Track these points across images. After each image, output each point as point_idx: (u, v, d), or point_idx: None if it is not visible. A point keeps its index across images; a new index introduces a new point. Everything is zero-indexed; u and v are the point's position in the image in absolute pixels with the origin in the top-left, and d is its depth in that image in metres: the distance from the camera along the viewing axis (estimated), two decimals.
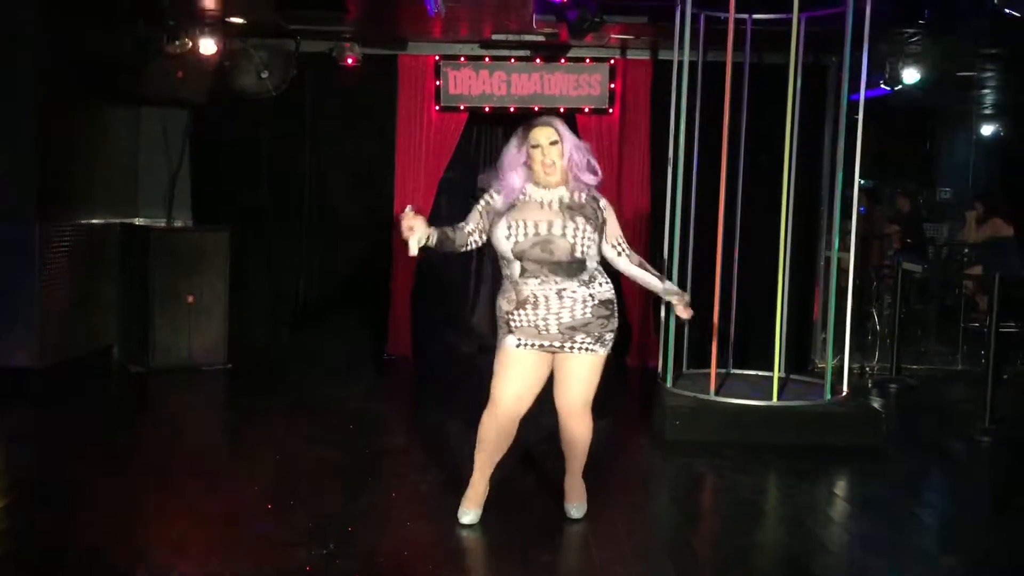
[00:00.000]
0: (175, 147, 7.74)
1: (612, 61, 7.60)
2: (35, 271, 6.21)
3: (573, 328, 3.58)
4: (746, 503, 4.38)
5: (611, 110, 7.63)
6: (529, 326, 3.58)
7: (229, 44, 7.11)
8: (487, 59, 7.60)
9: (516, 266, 3.58)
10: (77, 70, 6.58)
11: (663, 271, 5.64)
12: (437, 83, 7.59)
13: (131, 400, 6.44)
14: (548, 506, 4.08)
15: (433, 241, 3.54)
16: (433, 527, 3.85)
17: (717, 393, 5.57)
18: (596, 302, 3.62)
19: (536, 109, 7.61)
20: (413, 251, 3.45)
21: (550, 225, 3.54)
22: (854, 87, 5.65)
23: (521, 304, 3.58)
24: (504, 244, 3.56)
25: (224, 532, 3.75)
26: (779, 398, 5.49)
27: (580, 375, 3.67)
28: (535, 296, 3.56)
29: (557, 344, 3.61)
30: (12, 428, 5.46)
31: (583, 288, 3.59)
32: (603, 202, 3.72)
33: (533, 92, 7.59)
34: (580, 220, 3.57)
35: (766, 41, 6.39)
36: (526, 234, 3.53)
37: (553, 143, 3.59)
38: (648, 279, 3.78)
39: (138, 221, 7.60)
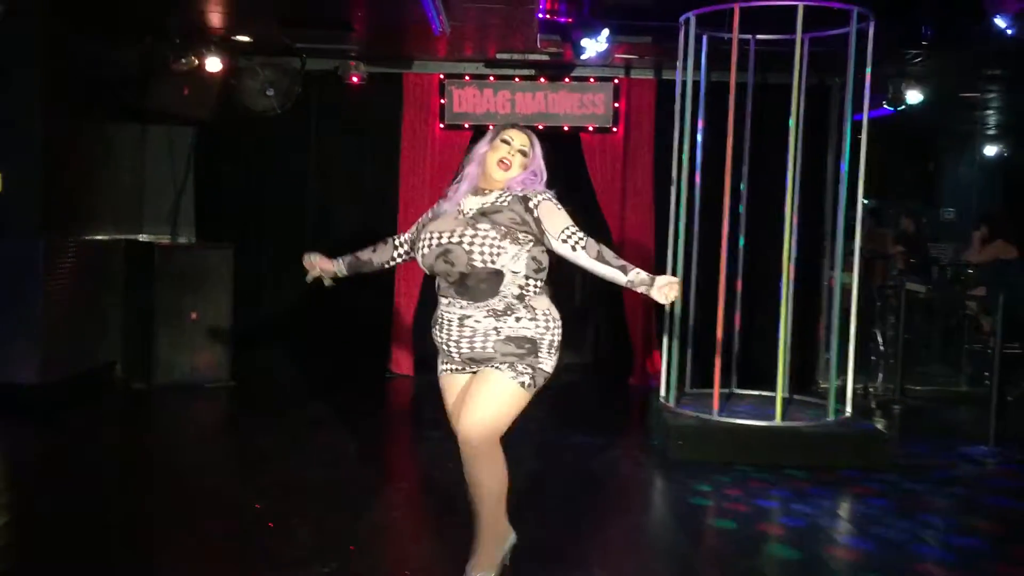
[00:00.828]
0: (180, 164, 7.77)
1: (616, 80, 7.63)
2: (39, 287, 6.21)
3: (474, 360, 3.17)
4: (750, 524, 4.36)
5: (615, 129, 7.65)
6: (443, 347, 3.25)
7: (235, 62, 7.17)
8: (491, 78, 7.63)
9: (437, 281, 3.24)
10: (83, 86, 6.62)
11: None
12: (442, 101, 7.62)
13: (132, 417, 6.43)
14: (555, 522, 4.06)
15: (343, 271, 3.55)
16: (434, 547, 3.83)
17: (720, 413, 5.56)
18: (503, 337, 3.11)
19: (540, 128, 7.64)
20: (327, 282, 3.58)
21: (452, 234, 3.14)
22: (857, 107, 5.66)
23: (436, 323, 3.25)
24: (418, 258, 3.26)
25: (226, 549, 3.73)
26: (782, 419, 5.46)
27: (483, 392, 3.11)
28: (442, 317, 3.21)
29: (472, 368, 3.23)
30: (13, 444, 5.45)
31: (490, 319, 3.11)
32: (535, 199, 3.18)
33: (537, 111, 7.62)
34: (484, 226, 3.11)
35: (769, 61, 6.42)
36: (430, 245, 3.18)
37: (523, 152, 3.28)
38: (607, 272, 3.13)
39: (143, 237, 7.62)
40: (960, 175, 11.69)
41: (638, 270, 3.12)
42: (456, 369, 3.28)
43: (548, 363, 3.18)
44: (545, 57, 7.26)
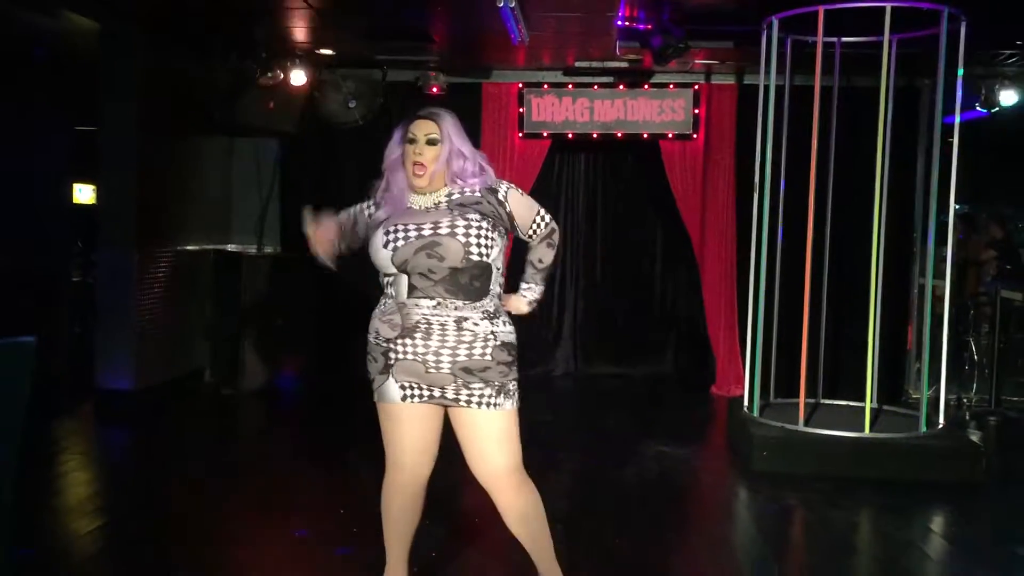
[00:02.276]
0: (266, 175, 7.97)
1: (696, 86, 7.55)
2: (132, 296, 6.45)
3: (468, 371, 2.82)
4: (837, 539, 4.25)
5: (695, 135, 7.57)
6: (415, 360, 2.83)
7: (318, 75, 7.32)
8: (570, 86, 7.63)
9: (403, 282, 2.83)
10: (175, 103, 6.85)
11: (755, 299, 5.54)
12: (520, 110, 7.65)
13: (221, 421, 6.61)
14: (637, 532, 4.02)
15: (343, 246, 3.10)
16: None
17: (806, 424, 5.44)
18: (499, 343, 2.86)
19: (619, 135, 7.63)
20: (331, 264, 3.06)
21: (436, 225, 2.81)
22: (948, 110, 5.49)
23: (409, 331, 2.83)
24: (382, 255, 2.85)
25: (310, 555, 3.80)
26: (871, 430, 5.32)
27: (491, 435, 2.87)
28: (427, 322, 2.81)
29: (450, 395, 2.85)
30: (109, 449, 5.66)
31: (486, 322, 2.84)
32: (503, 190, 2.92)
33: (616, 118, 7.60)
34: (474, 216, 2.83)
35: (855, 64, 6.27)
36: (407, 238, 2.80)
37: (431, 141, 2.88)
38: (525, 271, 3.07)
39: (231, 247, 7.83)
40: None
41: (531, 285, 3.07)
42: (431, 396, 2.87)
43: (517, 366, 2.97)
44: (624, 64, 7.23)
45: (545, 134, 7.68)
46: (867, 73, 6.03)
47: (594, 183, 8.41)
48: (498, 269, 2.90)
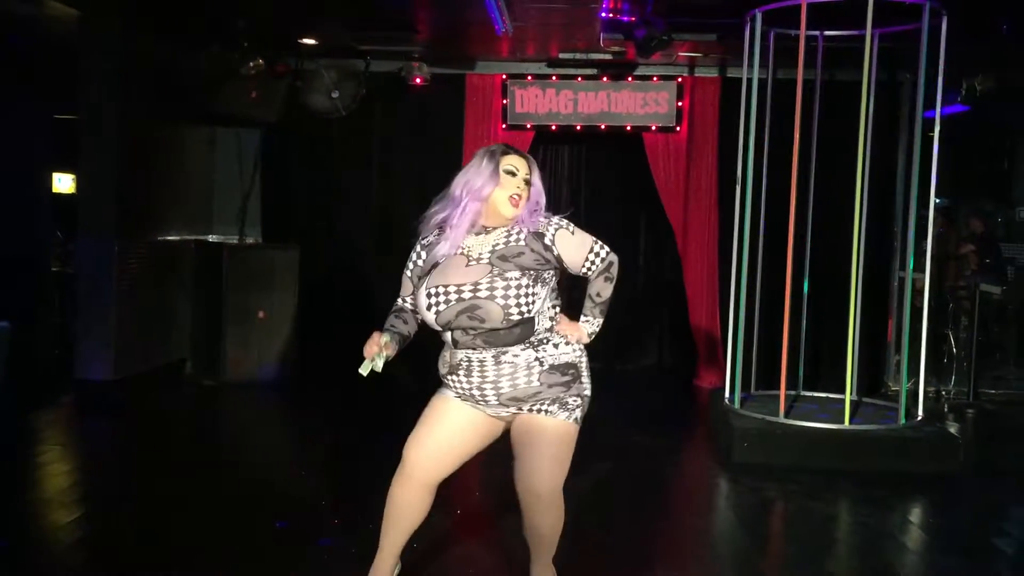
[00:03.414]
0: (248, 166, 7.92)
1: (680, 79, 7.56)
2: (112, 286, 6.40)
3: (517, 399, 2.86)
4: (817, 530, 4.28)
5: (679, 128, 7.58)
6: (465, 394, 2.92)
7: (301, 65, 7.28)
8: (554, 78, 7.63)
9: (448, 336, 2.89)
10: (156, 92, 6.79)
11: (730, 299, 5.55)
12: (504, 102, 7.64)
13: (201, 413, 6.58)
14: (619, 523, 4.03)
15: (393, 351, 2.93)
16: (493, 546, 3.84)
17: (786, 415, 5.47)
18: (546, 367, 2.85)
19: (603, 127, 7.63)
20: (366, 370, 2.86)
21: (475, 288, 2.78)
22: (929, 104, 5.52)
23: (454, 369, 2.90)
24: (428, 316, 2.86)
25: (291, 546, 3.79)
26: (851, 422, 5.36)
27: (539, 448, 2.85)
28: (468, 359, 2.86)
29: (504, 413, 2.92)
30: (88, 439, 5.62)
31: (528, 351, 2.85)
32: (551, 233, 2.90)
33: (600, 111, 7.60)
34: (514, 274, 2.80)
35: (838, 58, 6.30)
36: (448, 301, 2.80)
37: (527, 181, 2.91)
38: (585, 302, 3.06)
39: (212, 238, 7.79)
40: None
41: (589, 319, 3.04)
42: (465, 398, 2.93)
43: (589, 385, 2.98)
44: (608, 56, 7.23)
45: (529, 126, 7.67)
46: (849, 67, 6.06)
47: (577, 175, 8.41)
48: (547, 310, 2.89)
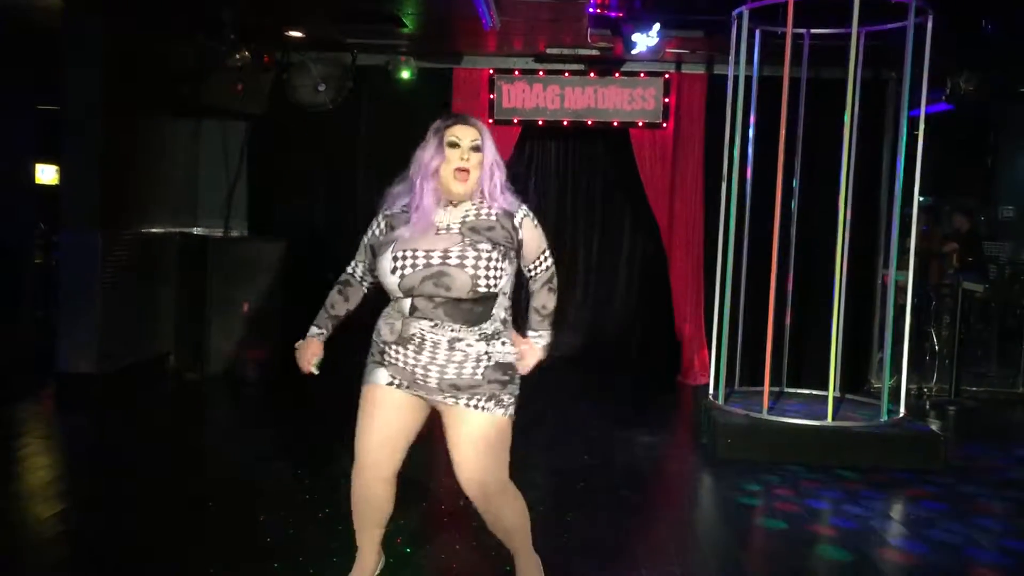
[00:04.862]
0: (233, 158, 7.89)
1: (667, 75, 7.57)
2: (95, 279, 6.36)
3: (456, 387, 2.81)
4: (799, 525, 4.30)
5: (665, 124, 7.60)
6: (405, 368, 2.84)
7: (287, 58, 7.24)
8: (541, 73, 7.63)
9: (406, 303, 2.81)
10: (141, 83, 6.75)
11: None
12: (491, 96, 7.63)
13: (184, 406, 6.55)
14: (603, 519, 4.05)
15: (327, 334, 3.02)
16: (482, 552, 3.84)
17: (770, 412, 5.50)
18: (492, 363, 2.83)
19: (590, 123, 7.64)
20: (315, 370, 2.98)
21: (445, 254, 2.76)
22: (914, 103, 5.55)
23: (404, 341, 2.83)
24: (390, 280, 2.80)
25: (273, 541, 3.78)
26: (834, 418, 5.39)
27: (475, 442, 2.83)
28: (421, 337, 2.80)
29: (437, 397, 2.86)
30: (70, 433, 5.59)
31: (481, 343, 2.82)
32: (519, 217, 2.89)
33: (587, 106, 7.60)
34: (485, 246, 2.78)
35: (824, 55, 6.32)
36: (415, 266, 2.75)
37: (475, 148, 2.83)
38: (529, 316, 3.06)
39: (197, 231, 7.75)
40: (1019, 172, 11.41)
41: (541, 333, 3.04)
42: (402, 385, 2.88)
43: (518, 386, 2.95)
44: (595, 52, 7.23)
45: (516, 120, 7.67)
46: (835, 65, 6.08)
47: (564, 170, 8.41)
48: (504, 295, 2.87)
